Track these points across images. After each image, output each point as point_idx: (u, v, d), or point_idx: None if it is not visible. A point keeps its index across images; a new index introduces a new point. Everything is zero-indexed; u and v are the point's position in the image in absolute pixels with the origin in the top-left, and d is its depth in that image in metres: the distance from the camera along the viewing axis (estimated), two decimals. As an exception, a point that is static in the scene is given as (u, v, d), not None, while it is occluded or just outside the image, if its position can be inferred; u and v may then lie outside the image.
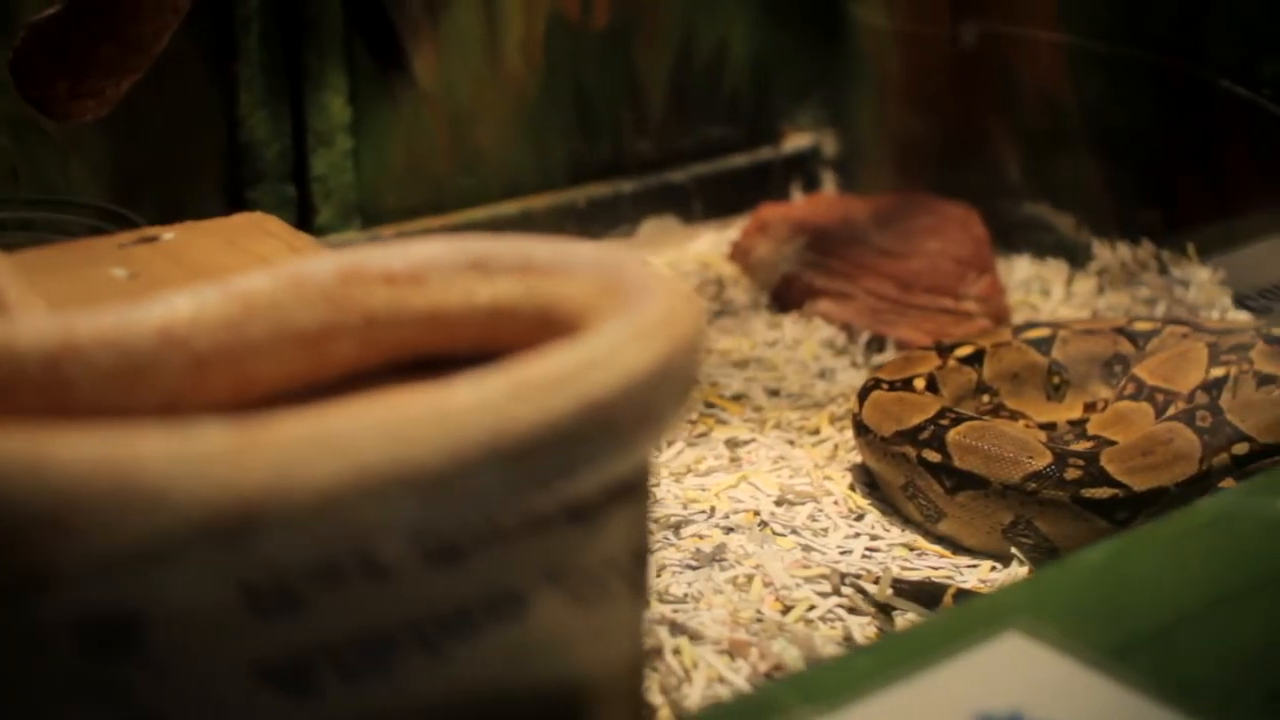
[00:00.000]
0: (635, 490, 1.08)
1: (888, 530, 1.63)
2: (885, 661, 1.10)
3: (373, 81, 2.04)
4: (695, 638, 1.39)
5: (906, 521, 1.64)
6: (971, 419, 1.63)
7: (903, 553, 1.59)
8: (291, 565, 0.91)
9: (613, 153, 2.24)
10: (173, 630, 0.90)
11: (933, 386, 1.72)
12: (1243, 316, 1.98)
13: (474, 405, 0.89)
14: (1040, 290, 2.16)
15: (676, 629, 1.39)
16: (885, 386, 1.70)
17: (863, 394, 1.70)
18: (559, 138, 2.20)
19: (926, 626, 1.17)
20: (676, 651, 1.36)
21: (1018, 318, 2.08)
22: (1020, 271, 2.21)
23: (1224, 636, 1.15)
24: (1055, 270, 2.19)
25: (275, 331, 1.10)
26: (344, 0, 1.98)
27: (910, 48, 2.29)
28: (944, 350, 1.80)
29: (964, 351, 1.80)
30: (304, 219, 2.02)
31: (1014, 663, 1.10)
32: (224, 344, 1.07)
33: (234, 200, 1.97)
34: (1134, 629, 1.15)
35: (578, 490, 0.96)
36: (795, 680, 1.12)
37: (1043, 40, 2.14)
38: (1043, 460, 1.56)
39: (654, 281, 1.05)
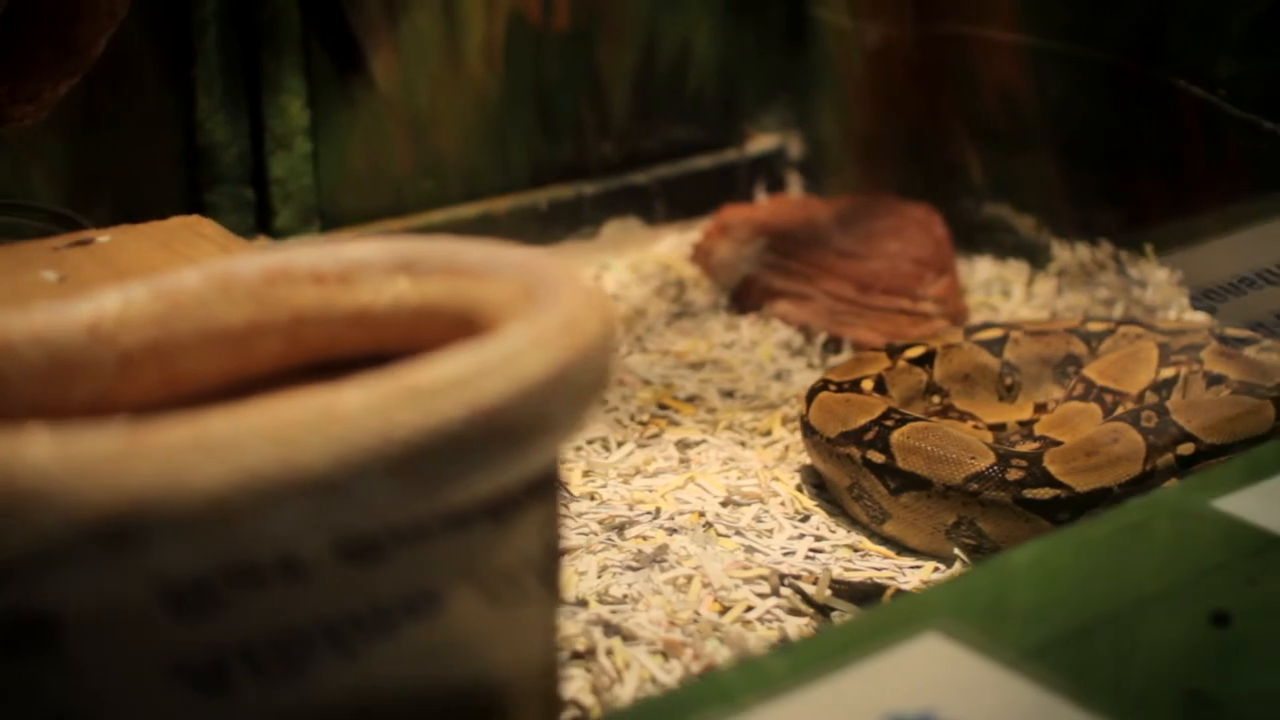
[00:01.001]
0: (546, 490, 1.09)
1: (833, 531, 1.63)
2: (801, 662, 1.10)
3: (331, 85, 2.04)
4: (629, 638, 1.39)
5: (853, 523, 1.65)
6: (916, 420, 1.63)
7: (846, 554, 1.59)
8: (203, 566, 0.92)
9: (575, 154, 2.25)
10: (89, 631, 0.90)
11: (881, 388, 1.73)
12: (1200, 317, 1.97)
13: (361, 410, 0.89)
14: (1001, 291, 2.16)
15: (611, 629, 1.39)
16: (833, 388, 1.70)
17: (810, 395, 1.70)
18: (520, 140, 2.20)
19: (846, 627, 1.17)
20: (609, 652, 1.37)
21: (977, 318, 2.08)
22: (982, 272, 2.20)
23: (1144, 636, 1.15)
24: (1016, 271, 2.19)
25: (202, 329, 1.11)
26: (302, 5, 1.99)
27: (873, 49, 2.29)
28: (894, 351, 1.80)
29: (914, 353, 1.80)
30: (263, 221, 2.02)
31: (930, 663, 1.10)
32: (152, 341, 1.09)
33: (193, 203, 1.98)
34: (1054, 629, 1.15)
35: (473, 494, 0.96)
36: (710, 680, 1.11)
37: (1003, 41, 2.14)
38: (985, 461, 1.56)
39: (566, 287, 1.06)
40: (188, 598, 0.91)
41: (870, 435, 1.61)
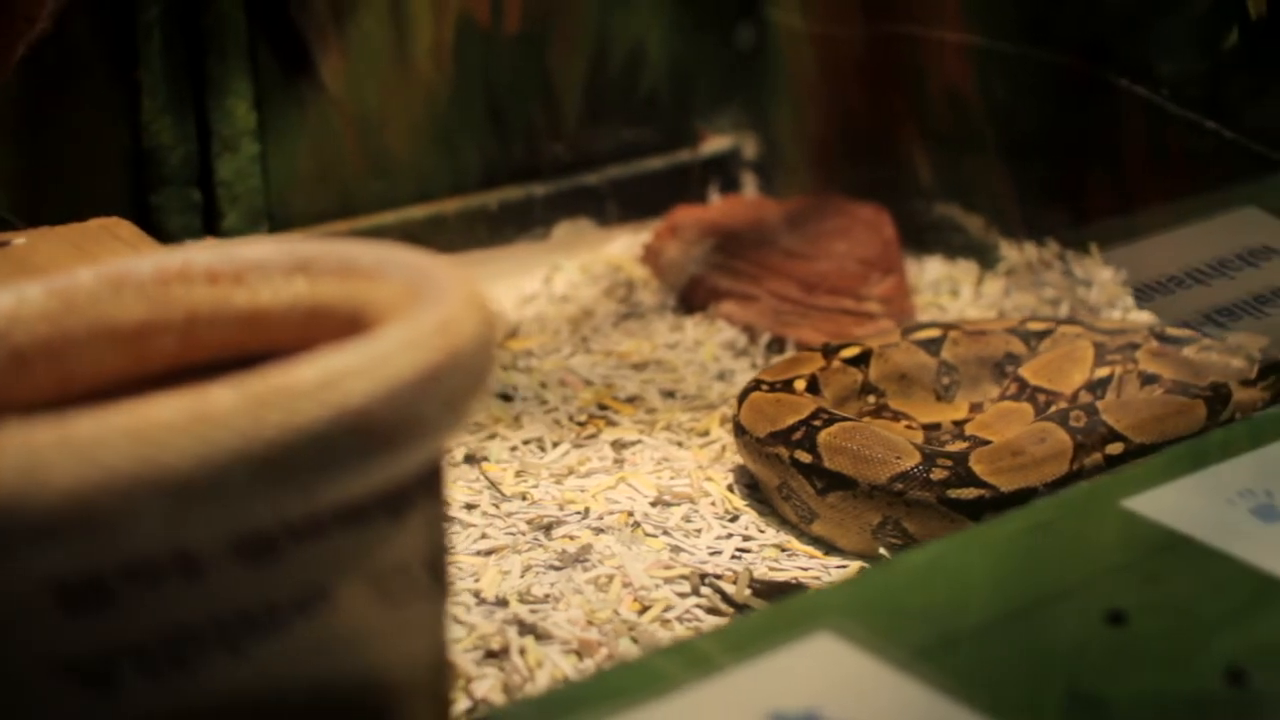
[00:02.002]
0: (432, 488, 1.10)
1: (762, 531, 1.63)
2: (691, 660, 1.10)
3: (279, 87, 2.05)
4: (544, 637, 1.39)
5: (783, 523, 1.65)
6: (844, 420, 1.63)
7: (773, 554, 1.59)
8: (93, 564, 0.93)
9: (527, 156, 2.25)
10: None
11: (814, 388, 1.73)
12: (1144, 316, 1.97)
13: (226, 410, 0.90)
14: (950, 291, 2.16)
15: (525, 629, 1.40)
16: (765, 388, 1.71)
17: (743, 395, 1.71)
18: (471, 142, 2.21)
19: (738, 625, 1.18)
20: (522, 651, 1.37)
21: (925, 318, 2.08)
22: (932, 272, 2.21)
23: (1038, 636, 1.15)
24: (965, 271, 2.19)
25: (95, 327, 1.12)
26: (248, 8, 2.00)
27: (824, 50, 2.29)
28: (829, 351, 1.80)
29: (850, 353, 1.80)
30: (210, 223, 2.03)
31: (820, 663, 1.11)
32: (44, 339, 1.10)
33: (138, 205, 1.99)
34: (947, 629, 1.15)
35: (354, 491, 0.97)
36: (598, 679, 1.12)
37: (951, 41, 2.14)
38: (910, 461, 1.56)
39: (449, 288, 1.07)
40: (78, 595, 0.92)
41: (798, 435, 1.61)
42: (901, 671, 1.09)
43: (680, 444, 1.78)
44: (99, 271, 1.12)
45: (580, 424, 1.82)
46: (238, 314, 1.15)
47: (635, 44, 2.30)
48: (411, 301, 1.07)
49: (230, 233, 2.04)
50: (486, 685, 1.33)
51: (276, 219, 2.07)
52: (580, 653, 1.38)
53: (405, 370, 0.96)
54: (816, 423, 1.62)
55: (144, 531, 0.90)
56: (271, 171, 2.06)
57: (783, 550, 1.60)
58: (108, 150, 1.98)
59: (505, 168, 2.24)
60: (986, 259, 2.17)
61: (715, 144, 2.40)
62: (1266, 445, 1.40)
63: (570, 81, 2.26)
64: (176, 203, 2.00)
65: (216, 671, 0.98)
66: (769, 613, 1.18)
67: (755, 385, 1.72)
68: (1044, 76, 2.06)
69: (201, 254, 1.14)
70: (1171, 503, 1.32)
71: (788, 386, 1.71)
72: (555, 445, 1.77)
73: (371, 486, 0.99)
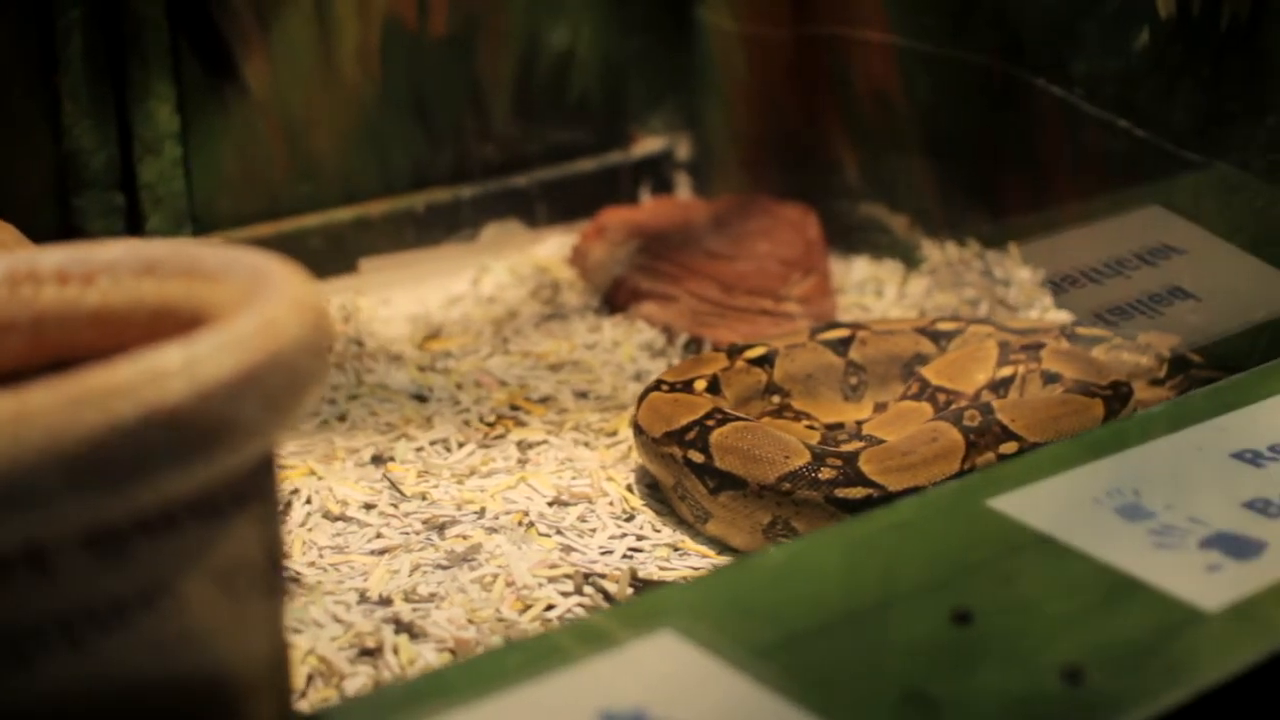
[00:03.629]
0: (265, 487, 1.10)
1: (658, 531, 1.64)
2: (530, 658, 1.11)
3: (202, 90, 2.06)
4: (419, 636, 1.40)
5: (679, 523, 1.65)
6: (738, 419, 1.63)
7: (665, 553, 1.60)
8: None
9: (456, 158, 2.26)
10: None
11: (715, 388, 1.73)
12: (1062, 315, 1.97)
13: (39, 410, 0.91)
14: (874, 291, 2.17)
15: (401, 627, 1.41)
16: (665, 388, 1.71)
17: (643, 396, 1.71)
18: (400, 144, 2.22)
19: (581, 624, 1.18)
20: (396, 650, 1.38)
21: (848, 318, 2.08)
22: (858, 272, 2.21)
23: (882, 636, 1.15)
24: (891, 271, 2.19)
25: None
26: (169, 11, 2.01)
27: (754, 50, 2.30)
28: (733, 352, 1.80)
29: (754, 353, 1.81)
30: (134, 226, 2.04)
31: (657, 661, 1.11)
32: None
33: (61, 208, 2.00)
34: (791, 628, 1.15)
35: (164, 493, 0.98)
36: (436, 675, 1.13)
37: (875, 41, 2.14)
38: (799, 460, 1.56)
39: (279, 290, 1.08)
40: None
41: (691, 435, 1.62)
42: (737, 671, 1.09)
43: (587, 444, 1.79)
44: (-55, 273, 1.14)
45: (489, 425, 1.83)
46: (87, 314, 1.17)
47: (565, 45, 2.31)
48: (246, 302, 1.08)
49: (153, 235, 2.05)
50: (358, 683, 1.34)
51: (201, 222, 2.08)
52: (455, 651, 1.38)
53: (222, 370, 0.97)
54: (710, 422, 1.62)
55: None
56: (195, 174, 2.07)
57: (675, 550, 1.60)
58: (29, 154, 1.99)
59: (434, 170, 2.24)
60: (911, 259, 2.17)
61: (648, 145, 2.41)
62: (1140, 445, 1.41)
63: (499, 83, 2.27)
64: (99, 206, 2.01)
65: (58, 666, 0.99)
66: (615, 611, 1.18)
67: (656, 385, 1.72)
68: (965, 76, 2.06)
69: (52, 255, 1.15)
70: (1037, 502, 1.32)
71: (688, 387, 1.71)
72: (461, 446, 1.78)
73: (202, 483, 1.00)
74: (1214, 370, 1.76)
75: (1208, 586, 1.20)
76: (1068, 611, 1.18)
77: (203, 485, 1.00)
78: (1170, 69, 1.84)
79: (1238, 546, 1.26)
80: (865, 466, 1.56)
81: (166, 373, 0.95)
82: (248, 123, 2.10)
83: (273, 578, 1.11)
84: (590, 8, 2.31)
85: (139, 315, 1.16)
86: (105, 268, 1.17)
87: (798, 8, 2.24)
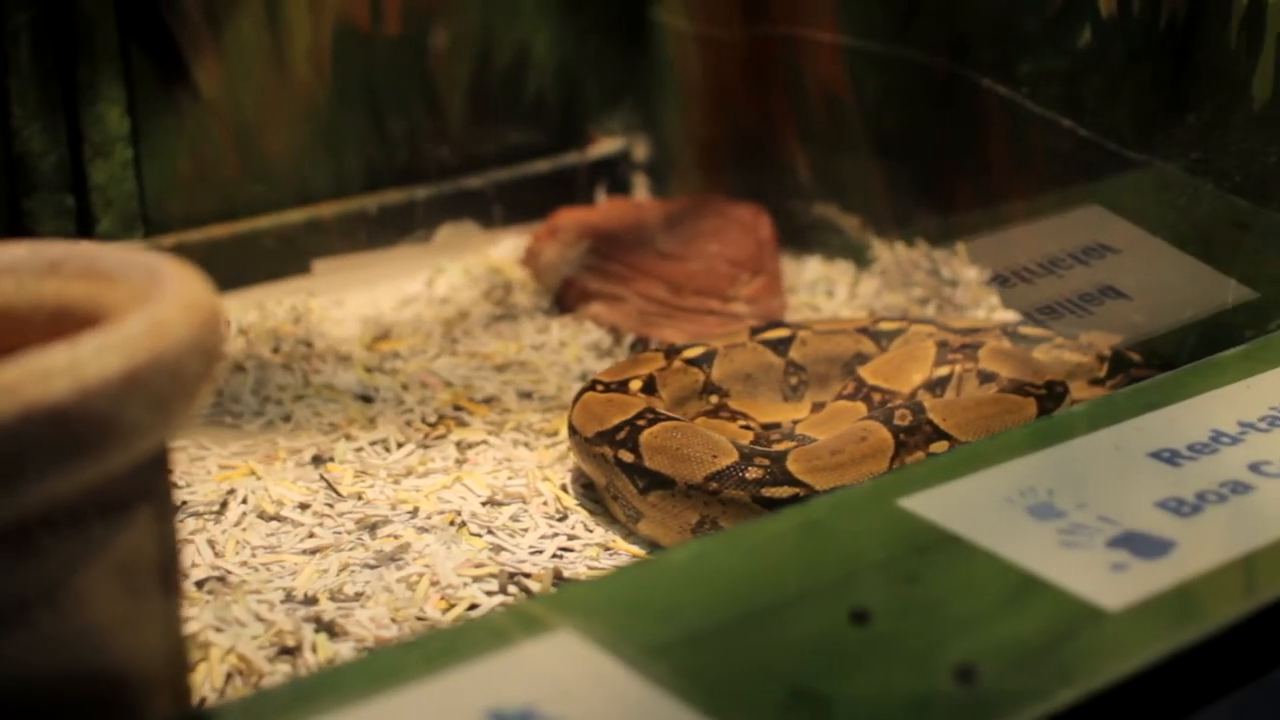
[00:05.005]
0: (160, 486, 1.11)
1: (590, 531, 1.64)
2: (427, 656, 1.11)
3: (153, 92, 2.07)
4: (340, 635, 1.41)
5: (612, 522, 1.66)
6: (669, 419, 1.64)
7: (595, 553, 1.60)
8: None
9: (411, 159, 2.27)
10: None
11: (651, 388, 1.74)
12: (1009, 315, 1.97)
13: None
14: (826, 291, 2.17)
15: (321, 626, 1.42)
16: (600, 388, 1.72)
17: (578, 396, 1.72)
18: (353, 145, 2.22)
19: (482, 622, 1.19)
20: (314, 649, 1.39)
21: (798, 318, 2.08)
22: (810, 272, 2.21)
23: (776, 635, 1.16)
24: (842, 271, 2.20)
25: None
26: (118, 13, 2.02)
27: (708, 51, 2.30)
28: (671, 352, 1.81)
29: (692, 353, 1.81)
30: (84, 228, 2.05)
31: (552, 660, 1.11)
32: None
33: (11, 210, 2.01)
34: (690, 627, 1.16)
35: (49, 492, 0.99)
36: (329, 674, 1.13)
37: (825, 42, 2.14)
38: (727, 459, 1.57)
39: (171, 291, 1.09)
40: None
41: (622, 435, 1.62)
42: (630, 669, 1.10)
43: (527, 445, 1.80)
44: None
45: (431, 425, 1.84)
46: (-10, 313, 1.18)
47: (521, 46, 2.31)
48: (140, 303, 1.09)
49: (105, 237, 2.06)
50: (276, 681, 1.35)
51: (153, 223, 2.09)
52: (373, 650, 1.39)
53: (107, 370, 0.98)
54: (641, 422, 1.63)
55: None
56: (147, 176, 2.08)
57: (606, 550, 1.61)
58: (-21, 156, 2.01)
59: (389, 171, 2.25)
60: (862, 259, 2.17)
61: (605, 146, 2.41)
62: (1059, 444, 1.41)
63: (454, 84, 2.28)
64: (49, 208, 2.02)
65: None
66: (516, 610, 1.19)
67: (591, 386, 1.73)
68: (913, 76, 2.06)
69: (-51, 256, 1.17)
70: (950, 502, 1.32)
71: (623, 387, 1.72)
72: (400, 446, 1.78)
73: (101, 480, 1.00)
74: (1153, 369, 1.76)
75: (1111, 586, 1.20)
76: (968, 611, 1.18)
77: (105, 482, 1.01)
78: (1112, 69, 1.84)
79: (1145, 546, 1.26)
80: (792, 466, 1.56)
81: (51, 372, 0.96)
82: (200, 124, 2.11)
83: (169, 575, 1.12)
84: (546, 9, 2.31)
85: (40, 315, 1.17)
86: (7, 269, 1.18)
87: (750, 8, 2.24)
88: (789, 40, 2.19)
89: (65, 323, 1.15)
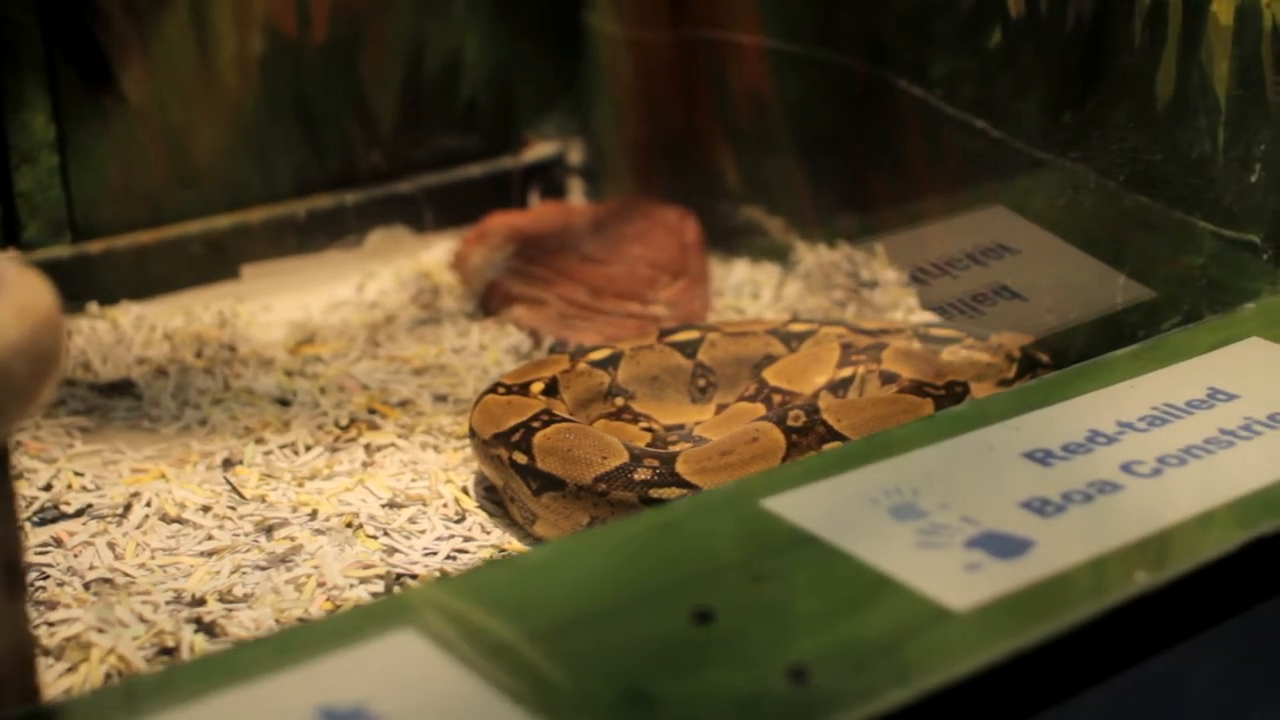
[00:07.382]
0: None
1: (487, 533, 1.65)
2: (265, 655, 1.12)
3: (80, 99, 2.08)
4: (219, 636, 1.42)
5: (510, 524, 1.67)
6: (563, 421, 1.64)
7: (490, 554, 1.61)
8: None
9: (342, 164, 2.28)
10: None
11: (552, 390, 1.74)
12: (926, 316, 1.98)
13: None
14: (751, 294, 2.17)
15: (201, 627, 1.43)
16: (501, 390, 1.73)
17: (479, 398, 1.73)
18: (283, 151, 2.24)
19: (326, 622, 1.20)
20: (192, 649, 1.40)
21: (720, 321, 2.08)
22: (737, 275, 2.22)
23: (617, 635, 1.16)
24: (768, 273, 2.20)
25: None
26: (42, 20, 2.03)
27: (638, 55, 2.31)
28: (577, 354, 1.81)
29: (598, 355, 1.82)
30: (10, 234, 2.07)
31: (390, 659, 1.12)
32: None
33: (-62, 217, 2.04)
34: (531, 627, 1.16)
35: None
36: (163, 674, 1.14)
37: (749, 44, 2.15)
38: (616, 461, 1.57)
39: (6, 295, 1.10)
40: None
41: (517, 437, 1.63)
42: (466, 669, 1.10)
43: (435, 447, 1.80)
44: None
45: (343, 428, 1.85)
46: None
47: (452, 50, 2.32)
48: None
49: (32, 244, 2.08)
50: (149, 684, 1.36)
51: (80, 230, 2.11)
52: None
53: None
54: (536, 424, 1.63)
55: None
56: (74, 183, 2.09)
57: (501, 551, 1.62)
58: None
59: (320, 176, 2.26)
60: (787, 261, 2.18)
61: (539, 150, 2.42)
62: (932, 444, 1.41)
63: (384, 89, 2.29)
64: (-26, 215, 2.05)
65: None
66: (362, 609, 1.20)
67: (493, 388, 1.73)
68: (833, 78, 2.07)
69: None
70: (812, 501, 1.32)
71: (524, 389, 1.73)
72: (309, 449, 1.79)
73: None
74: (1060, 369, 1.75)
75: (962, 586, 1.20)
76: (813, 611, 1.18)
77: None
78: (1021, 69, 1.84)
79: (1003, 546, 1.26)
80: (681, 467, 1.56)
81: None
82: (127, 131, 2.12)
83: (13, 575, 1.13)
84: (476, 13, 2.32)
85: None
86: None
87: (677, 11, 2.25)
88: (715, 43, 2.20)
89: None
